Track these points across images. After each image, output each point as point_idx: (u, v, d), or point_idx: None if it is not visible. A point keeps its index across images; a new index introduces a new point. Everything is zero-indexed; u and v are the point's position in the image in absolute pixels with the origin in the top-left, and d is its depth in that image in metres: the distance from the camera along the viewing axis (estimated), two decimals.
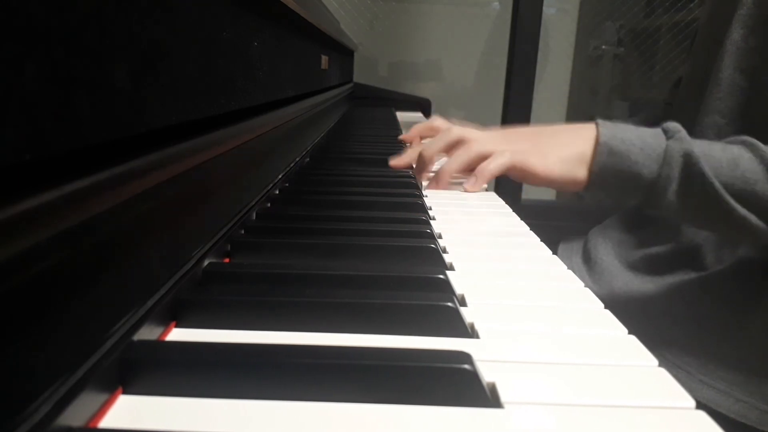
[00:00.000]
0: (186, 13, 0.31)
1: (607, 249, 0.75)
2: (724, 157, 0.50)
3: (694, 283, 0.62)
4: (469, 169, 0.59)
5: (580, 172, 0.55)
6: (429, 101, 1.73)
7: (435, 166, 0.63)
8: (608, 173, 0.53)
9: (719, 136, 0.60)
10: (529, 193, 1.80)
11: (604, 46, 2.26)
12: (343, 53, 1.41)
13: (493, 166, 0.56)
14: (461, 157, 0.58)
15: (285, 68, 0.62)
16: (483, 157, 0.57)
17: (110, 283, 0.22)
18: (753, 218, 0.49)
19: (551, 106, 2.25)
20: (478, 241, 0.42)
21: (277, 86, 0.58)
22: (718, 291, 0.60)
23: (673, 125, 0.53)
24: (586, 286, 0.33)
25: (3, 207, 0.16)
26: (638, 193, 0.53)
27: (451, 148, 0.60)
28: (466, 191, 0.59)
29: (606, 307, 0.30)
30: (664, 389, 0.23)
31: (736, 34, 0.60)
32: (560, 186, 0.56)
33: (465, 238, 0.42)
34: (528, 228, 0.46)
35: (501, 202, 0.56)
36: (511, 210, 0.52)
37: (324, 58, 0.97)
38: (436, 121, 0.78)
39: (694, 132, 0.61)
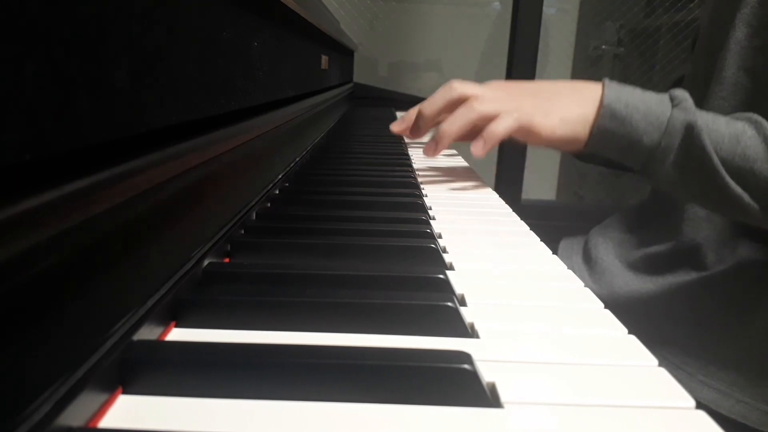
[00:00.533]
0: (186, 13, 0.31)
1: (607, 249, 0.75)
2: (727, 131, 0.49)
3: (695, 283, 0.62)
4: (473, 130, 0.56)
5: (582, 133, 0.54)
6: None
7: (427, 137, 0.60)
8: (608, 137, 0.52)
9: None
10: (529, 193, 1.80)
11: (604, 46, 2.26)
12: (343, 53, 1.41)
13: (501, 129, 0.54)
14: (464, 117, 0.56)
15: (285, 68, 0.62)
16: (487, 119, 0.55)
17: (110, 283, 0.22)
18: (746, 197, 0.48)
19: None
20: (478, 240, 0.42)
21: (277, 86, 0.58)
22: (719, 291, 0.60)
23: (681, 93, 0.52)
24: (586, 286, 0.33)
25: (3, 207, 0.16)
26: (637, 160, 0.52)
27: (452, 106, 0.57)
28: (474, 154, 0.56)
29: (606, 307, 0.30)
30: (664, 389, 0.23)
31: (739, 33, 0.59)
32: (562, 146, 0.56)
33: (465, 238, 0.42)
34: (528, 228, 0.46)
35: (501, 202, 0.56)
36: (510, 210, 0.52)
37: (324, 58, 0.97)
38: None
39: None
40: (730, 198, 0.49)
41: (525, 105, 0.55)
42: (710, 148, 0.48)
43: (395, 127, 0.66)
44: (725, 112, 0.59)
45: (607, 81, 0.55)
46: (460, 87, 0.58)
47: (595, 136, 0.53)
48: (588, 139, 0.54)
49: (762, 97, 0.58)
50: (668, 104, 0.52)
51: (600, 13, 2.27)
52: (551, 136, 0.55)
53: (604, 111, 0.52)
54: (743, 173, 0.48)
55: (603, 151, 0.54)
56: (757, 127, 0.49)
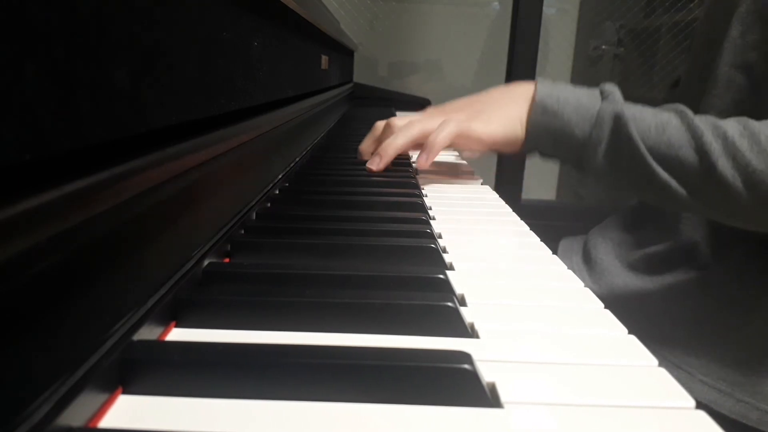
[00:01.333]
0: (186, 13, 0.31)
1: (607, 249, 0.75)
2: (653, 121, 0.50)
3: (694, 283, 0.62)
4: (416, 145, 0.60)
5: (519, 131, 0.56)
6: (429, 101, 1.73)
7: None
8: (542, 131, 0.54)
9: None
10: (529, 192, 1.80)
11: (604, 46, 2.26)
12: (343, 53, 1.41)
13: (441, 137, 0.57)
14: (405, 132, 0.60)
15: (285, 68, 0.62)
16: (428, 132, 0.58)
17: (110, 283, 0.22)
18: (674, 183, 0.50)
19: None
20: (478, 240, 0.42)
21: (277, 86, 0.58)
22: (718, 290, 0.60)
23: (610, 86, 0.54)
24: (586, 286, 0.33)
25: (3, 207, 0.16)
26: (571, 153, 0.54)
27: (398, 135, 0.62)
28: (418, 168, 0.60)
29: (606, 307, 0.30)
30: (664, 389, 0.23)
31: (734, 31, 0.60)
32: (504, 147, 0.58)
33: (465, 238, 0.42)
34: (528, 228, 0.46)
35: (501, 202, 0.56)
36: (510, 210, 0.52)
37: (324, 58, 0.97)
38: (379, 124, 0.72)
39: None
40: (659, 185, 0.50)
41: (462, 115, 0.59)
42: (637, 137, 0.50)
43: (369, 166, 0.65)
44: (719, 109, 0.60)
45: (540, 79, 0.57)
46: (398, 121, 0.63)
47: (531, 132, 0.55)
48: (525, 136, 0.56)
49: (755, 92, 0.58)
50: (598, 97, 0.53)
51: (600, 13, 2.26)
52: (491, 137, 0.57)
53: (536, 106, 0.54)
54: (669, 160, 0.49)
55: (539, 146, 0.56)
56: (682, 116, 0.51)
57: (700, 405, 0.22)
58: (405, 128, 0.60)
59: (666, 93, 0.88)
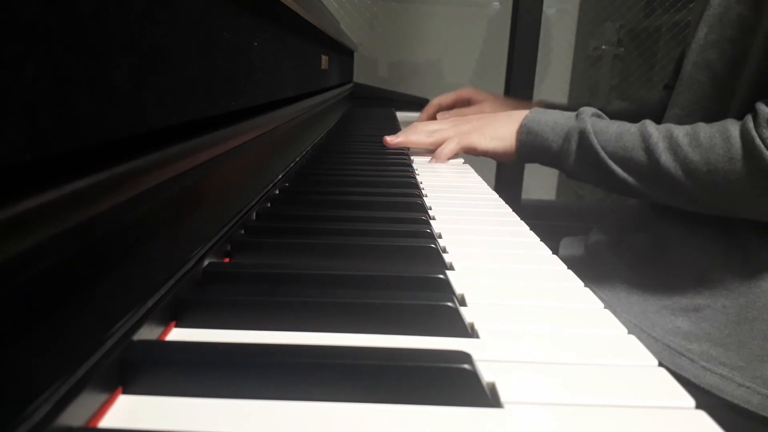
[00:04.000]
0: (186, 13, 0.31)
1: (607, 248, 0.75)
2: (615, 132, 0.63)
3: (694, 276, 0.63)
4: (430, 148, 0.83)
5: (510, 146, 0.74)
6: (429, 101, 1.73)
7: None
8: (527, 146, 0.71)
9: None
10: (529, 192, 1.80)
11: (604, 46, 2.26)
12: (343, 53, 1.41)
13: (446, 151, 0.79)
14: (426, 137, 0.83)
15: (285, 68, 0.62)
16: (441, 142, 0.81)
17: (110, 283, 0.22)
18: (630, 179, 0.62)
19: None
20: (478, 240, 0.42)
21: (277, 86, 0.58)
22: (719, 279, 0.61)
23: (585, 108, 0.68)
24: (586, 285, 0.33)
25: (3, 207, 0.16)
26: (550, 161, 0.70)
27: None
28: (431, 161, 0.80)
29: (606, 307, 0.30)
30: (664, 389, 0.23)
31: (700, 32, 0.64)
32: (499, 157, 0.76)
33: (465, 238, 0.42)
34: (528, 228, 0.46)
35: (501, 201, 0.56)
36: (510, 210, 0.52)
37: (324, 58, 0.97)
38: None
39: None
40: (619, 181, 0.63)
41: (466, 128, 0.78)
42: (598, 146, 0.63)
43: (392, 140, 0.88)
44: (683, 107, 0.66)
45: (534, 108, 0.73)
46: (432, 125, 0.87)
47: (519, 147, 0.72)
48: (515, 150, 0.73)
49: (715, 89, 0.63)
50: (573, 118, 0.68)
51: (600, 13, 2.26)
52: (487, 149, 0.76)
53: (521, 129, 0.72)
54: (625, 161, 0.62)
55: (529, 157, 0.72)
56: (641, 125, 0.62)
57: (702, 390, 0.22)
58: (429, 132, 0.83)
59: (660, 93, 0.89)
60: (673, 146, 0.58)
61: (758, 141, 0.53)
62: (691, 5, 1.98)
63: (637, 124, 0.63)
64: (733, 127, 0.56)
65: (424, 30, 2.24)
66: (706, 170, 0.56)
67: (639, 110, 0.91)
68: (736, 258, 0.61)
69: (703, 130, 0.57)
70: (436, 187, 0.61)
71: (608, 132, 0.63)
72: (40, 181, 0.18)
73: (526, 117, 0.71)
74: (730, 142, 0.55)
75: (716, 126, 0.57)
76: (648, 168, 0.60)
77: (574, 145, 0.65)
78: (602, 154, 0.63)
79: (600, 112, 0.69)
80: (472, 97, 1.03)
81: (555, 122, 0.69)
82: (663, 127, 0.60)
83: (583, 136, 0.64)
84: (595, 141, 0.63)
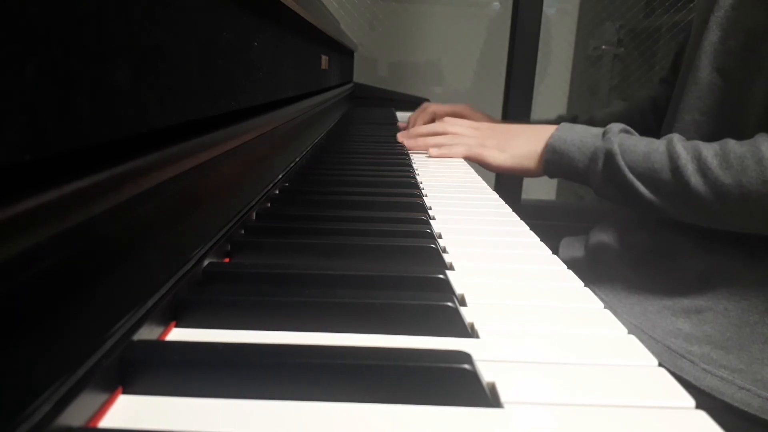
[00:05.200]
0: (186, 13, 0.31)
1: (607, 248, 0.75)
2: (643, 151, 0.61)
3: (695, 277, 0.63)
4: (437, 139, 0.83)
5: (531, 165, 0.73)
6: (429, 101, 1.73)
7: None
8: (553, 166, 0.70)
9: (698, 132, 0.65)
10: (529, 192, 1.80)
11: (604, 46, 2.26)
12: (343, 53, 1.41)
13: (452, 152, 0.79)
14: (431, 136, 0.84)
15: (285, 68, 0.62)
16: (448, 143, 0.80)
17: (110, 283, 0.22)
18: (657, 201, 0.61)
19: (551, 106, 2.25)
20: (478, 240, 0.42)
21: (277, 86, 0.58)
22: (719, 282, 0.61)
23: (612, 126, 0.66)
24: (586, 285, 0.33)
25: (3, 207, 0.16)
26: (578, 179, 0.69)
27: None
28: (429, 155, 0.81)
29: (606, 307, 0.30)
30: (664, 389, 0.23)
31: (713, 35, 0.64)
32: (509, 173, 0.76)
33: (465, 237, 0.42)
34: (528, 228, 0.46)
35: (501, 201, 0.56)
36: (510, 210, 0.52)
37: (324, 58, 0.97)
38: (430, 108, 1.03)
39: (673, 128, 0.67)
40: (646, 202, 0.61)
41: (487, 140, 0.77)
42: (625, 167, 0.62)
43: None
44: (701, 110, 0.65)
45: (563, 124, 0.71)
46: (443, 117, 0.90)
47: (545, 166, 0.71)
48: (539, 168, 0.72)
49: (733, 96, 0.62)
50: (600, 137, 0.66)
51: (600, 13, 2.26)
52: (500, 166, 0.75)
53: (548, 147, 0.70)
54: (652, 182, 0.60)
55: (556, 175, 0.71)
56: (668, 143, 0.60)
57: (703, 393, 0.22)
58: (435, 127, 0.85)
59: (654, 89, 0.90)
60: (703, 168, 0.56)
61: None
62: (692, 5, 1.98)
63: (664, 141, 0.61)
64: (765, 146, 0.54)
65: (424, 30, 2.24)
66: (738, 193, 0.55)
67: (628, 111, 0.91)
68: (740, 260, 0.61)
69: (734, 150, 0.56)
70: (436, 187, 0.61)
71: (636, 152, 0.62)
72: (40, 181, 0.18)
73: (552, 136, 0.70)
74: (764, 164, 0.53)
75: (746, 145, 0.56)
76: (677, 190, 0.58)
77: (600, 166, 0.64)
78: (630, 176, 0.61)
79: (629, 128, 0.67)
80: (466, 115, 1.00)
81: (582, 141, 0.67)
82: (690, 145, 0.59)
83: (609, 156, 0.63)
84: (622, 163, 0.62)
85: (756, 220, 0.56)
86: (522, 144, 0.74)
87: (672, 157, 0.59)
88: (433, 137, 0.83)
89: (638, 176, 0.61)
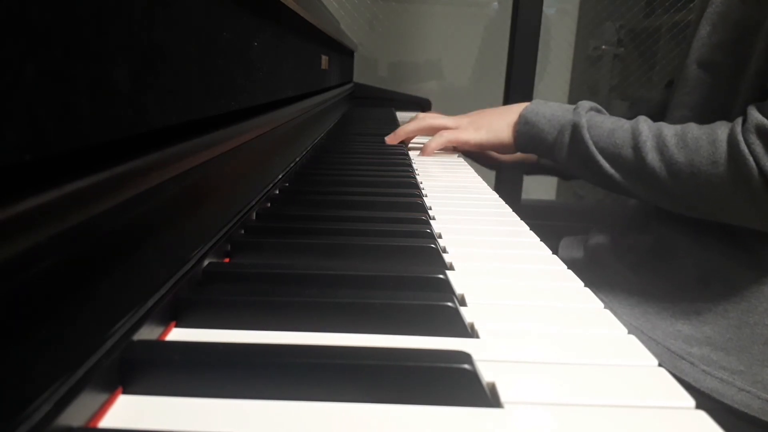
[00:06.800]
0: (186, 13, 0.31)
1: (607, 248, 0.75)
2: (607, 128, 0.64)
3: (695, 278, 0.63)
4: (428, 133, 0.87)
5: (508, 137, 0.76)
6: (429, 101, 1.73)
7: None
8: (524, 137, 0.73)
9: None
10: (529, 192, 1.79)
11: (604, 46, 2.26)
12: (343, 53, 1.41)
13: (432, 145, 0.82)
14: (416, 124, 0.88)
15: (285, 68, 0.62)
16: (434, 130, 0.85)
17: (110, 283, 0.22)
18: (616, 175, 0.63)
19: None
20: (478, 240, 0.42)
21: (277, 86, 0.58)
22: (719, 283, 0.61)
23: (583, 102, 0.70)
24: (585, 285, 0.33)
25: (3, 207, 0.16)
26: (545, 152, 0.72)
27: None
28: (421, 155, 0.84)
29: (607, 306, 0.30)
30: (664, 389, 0.23)
31: (703, 30, 0.65)
32: (494, 148, 0.79)
33: (465, 238, 0.42)
34: (528, 228, 0.46)
35: (501, 201, 0.56)
36: (510, 210, 0.52)
37: (324, 58, 0.97)
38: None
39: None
40: (607, 176, 0.64)
41: (462, 122, 0.82)
42: (589, 140, 0.65)
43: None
44: (689, 106, 0.67)
45: (537, 99, 0.74)
46: (424, 116, 0.90)
47: (516, 137, 0.74)
48: (513, 140, 0.75)
49: (719, 90, 0.63)
50: (570, 111, 0.69)
51: (600, 13, 2.26)
52: (479, 141, 0.79)
53: (520, 119, 0.74)
54: (613, 157, 0.63)
55: (526, 147, 0.74)
56: (634, 122, 0.63)
57: (703, 395, 0.22)
58: (418, 121, 0.87)
59: (661, 93, 0.89)
60: (660, 146, 0.59)
61: (743, 146, 0.53)
62: (691, 5, 1.98)
63: (631, 121, 0.63)
64: (721, 130, 0.56)
65: (424, 30, 2.24)
66: (689, 172, 0.57)
67: (638, 113, 0.91)
68: (740, 261, 0.61)
69: (692, 131, 0.58)
70: (436, 187, 0.61)
71: (602, 127, 0.65)
72: (40, 181, 0.18)
73: (525, 108, 0.73)
74: (716, 145, 0.55)
75: (705, 128, 0.57)
76: (634, 165, 0.61)
77: (567, 138, 0.67)
78: (593, 149, 0.64)
79: (599, 107, 0.69)
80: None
81: (552, 114, 0.70)
82: (655, 125, 0.61)
83: (576, 129, 0.66)
84: (587, 136, 0.65)
85: (704, 201, 0.57)
86: (496, 119, 0.77)
87: (634, 135, 0.61)
88: (413, 130, 0.88)
89: (601, 151, 0.64)
